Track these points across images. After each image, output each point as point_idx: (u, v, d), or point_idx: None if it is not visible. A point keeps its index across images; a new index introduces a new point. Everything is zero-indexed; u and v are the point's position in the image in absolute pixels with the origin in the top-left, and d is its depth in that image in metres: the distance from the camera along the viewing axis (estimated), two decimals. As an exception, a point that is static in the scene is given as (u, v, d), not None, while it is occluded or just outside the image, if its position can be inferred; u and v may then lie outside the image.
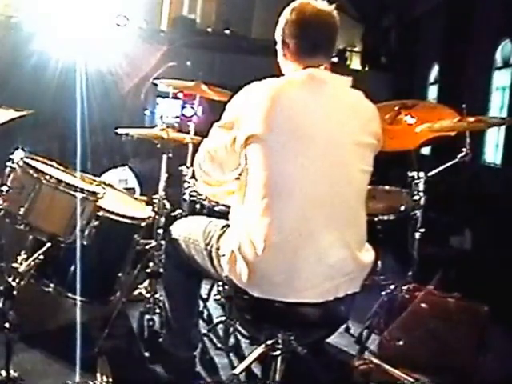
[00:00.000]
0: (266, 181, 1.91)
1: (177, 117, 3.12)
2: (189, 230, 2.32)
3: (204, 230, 2.24)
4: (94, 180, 2.96)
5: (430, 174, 3.00)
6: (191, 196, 2.97)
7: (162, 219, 3.08)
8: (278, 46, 2.14)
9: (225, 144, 2.06)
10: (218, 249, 2.13)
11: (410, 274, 3.00)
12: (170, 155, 3.07)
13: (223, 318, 3.00)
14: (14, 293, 2.29)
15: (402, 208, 2.97)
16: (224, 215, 2.44)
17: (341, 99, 2.04)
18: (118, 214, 2.67)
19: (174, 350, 2.51)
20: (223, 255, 2.07)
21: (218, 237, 2.16)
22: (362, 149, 2.01)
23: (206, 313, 3.23)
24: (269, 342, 2.27)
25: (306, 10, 2.06)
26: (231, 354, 2.88)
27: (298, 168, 1.91)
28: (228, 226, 2.18)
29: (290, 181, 1.91)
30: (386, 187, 3.10)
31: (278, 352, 2.19)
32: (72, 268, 2.58)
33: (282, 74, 2.14)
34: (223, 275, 2.08)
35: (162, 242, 3.09)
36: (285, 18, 2.09)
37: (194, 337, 2.56)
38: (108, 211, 2.63)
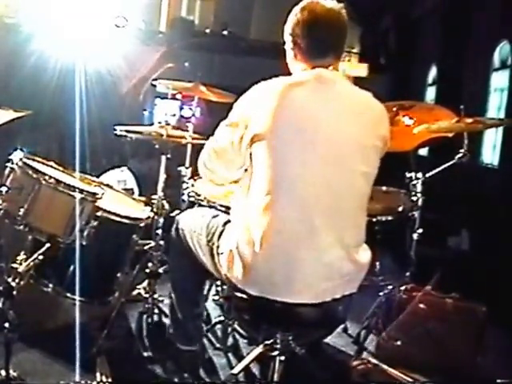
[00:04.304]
0: (269, 179, 1.92)
1: (174, 115, 3.13)
2: (194, 223, 2.32)
3: (208, 224, 2.24)
4: (93, 181, 2.97)
5: (427, 174, 3.01)
6: (190, 197, 2.98)
7: (161, 220, 3.09)
8: (288, 46, 2.12)
9: (231, 142, 2.05)
10: (218, 247, 2.14)
11: (407, 274, 3.01)
12: (169, 156, 3.07)
13: (222, 319, 3.01)
14: (14, 293, 2.29)
15: (400, 209, 2.97)
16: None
17: (348, 100, 2.03)
18: (116, 215, 2.68)
19: (176, 340, 2.51)
20: (221, 253, 2.09)
21: (220, 234, 2.16)
22: (366, 151, 2.00)
23: (204, 313, 3.23)
24: (267, 342, 2.28)
25: (317, 10, 2.04)
26: (230, 354, 2.89)
27: (300, 168, 1.92)
28: (229, 221, 2.18)
29: (292, 180, 1.92)
30: (384, 188, 3.10)
31: (276, 352, 2.21)
32: (71, 268, 2.60)
33: (284, 75, 2.14)
34: (222, 273, 2.09)
35: (161, 243, 3.10)
36: (295, 18, 2.06)
37: (196, 328, 2.54)
38: (107, 212, 2.64)
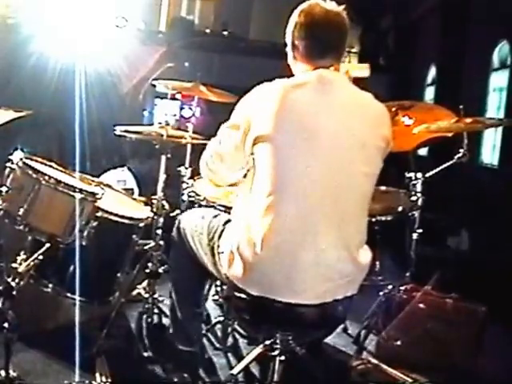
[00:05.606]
0: (272, 180, 1.92)
1: (174, 115, 3.13)
2: (196, 223, 2.32)
3: (209, 224, 2.25)
4: (93, 181, 2.96)
5: (427, 174, 3.01)
6: (190, 196, 2.98)
7: (161, 220, 3.09)
8: (288, 48, 2.14)
9: (233, 144, 2.06)
10: (219, 246, 2.14)
11: (407, 274, 3.00)
12: (169, 156, 3.07)
13: (221, 318, 3.01)
14: (14, 293, 2.29)
15: (400, 209, 2.97)
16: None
17: (350, 101, 2.04)
18: (116, 215, 2.68)
19: (176, 341, 2.50)
20: (222, 252, 2.09)
21: (220, 233, 2.16)
22: (367, 151, 2.00)
23: (204, 313, 3.23)
24: (267, 342, 2.28)
25: (314, 12, 2.06)
26: (229, 354, 2.89)
27: (302, 168, 1.92)
28: (230, 221, 2.19)
29: (294, 181, 1.92)
30: (384, 188, 3.10)
31: (276, 352, 2.20)
32: (71, 268, 2.59)
33: (284, 75, 2.14)
34: (222, 273, 2.09)
35: (161, 243, 3.10)
36: (294, 21, 2.09)
37: (195, 328, 2.54)
38: (107, 212, 2.63)
